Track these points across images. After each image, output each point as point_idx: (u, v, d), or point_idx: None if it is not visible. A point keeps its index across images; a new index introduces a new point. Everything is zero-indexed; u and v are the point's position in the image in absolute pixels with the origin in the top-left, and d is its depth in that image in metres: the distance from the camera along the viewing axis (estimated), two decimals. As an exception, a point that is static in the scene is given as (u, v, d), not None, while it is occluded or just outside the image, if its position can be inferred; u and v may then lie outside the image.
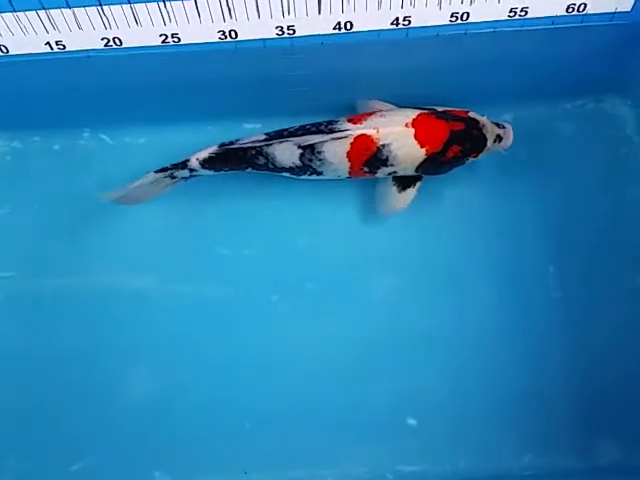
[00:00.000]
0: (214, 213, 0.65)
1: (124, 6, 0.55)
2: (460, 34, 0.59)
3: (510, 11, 0.58)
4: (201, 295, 0.63)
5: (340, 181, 0.65)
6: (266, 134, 0.61)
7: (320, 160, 0.60)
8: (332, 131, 0.60)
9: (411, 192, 0.63)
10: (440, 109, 0.61)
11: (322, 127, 0.60)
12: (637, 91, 0.66)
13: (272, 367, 0.61)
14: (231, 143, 0.61)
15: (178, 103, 0.65)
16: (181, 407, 0.61)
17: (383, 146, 0.60)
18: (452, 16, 0.58)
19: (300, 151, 0.60)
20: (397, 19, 0.58)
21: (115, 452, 0.59)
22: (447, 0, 0.56)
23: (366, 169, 0.61)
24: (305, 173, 0.62)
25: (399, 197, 0.63)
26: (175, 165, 0.61)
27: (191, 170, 0.62)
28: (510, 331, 0.62)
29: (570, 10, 0.58)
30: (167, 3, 0.55)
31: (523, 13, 0.58)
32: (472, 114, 0.61)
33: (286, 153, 0.60)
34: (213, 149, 0.61)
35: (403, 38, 0.59)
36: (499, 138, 0.62)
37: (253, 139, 0.61)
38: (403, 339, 0.62)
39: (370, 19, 0.58)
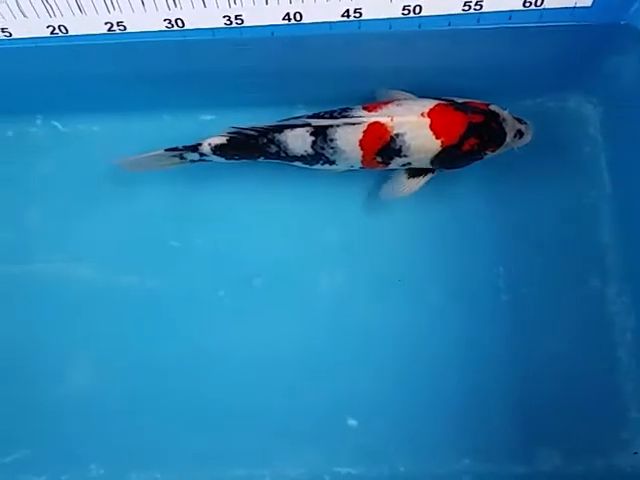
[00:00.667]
0: (166, 204, 0.64)
1: (70, -7, 0.54)
2: (414, 30, 0.57)
3: (464, 5, 0.56)
4: (146, 287, 0.62)
5: (295, 176, 0.64)
6: (277, 122, 0.60)
7: (332, 148, 0.59)
8: (345, 117, 0.59)
9: (418, 181, 0.61)
10: (460, 100, 0.60)
11: (335, 114, 0.60)
12: (601, 89, 0.64)
13: (212, 363, 0.61)
14: (243, 132, 0.60)
15: (131, 92, 0.64)
16: (119, 400, 0.60)
17: (397, 135, 0.58)
18: (404, 9, 0.56)
19: (312, 138, 0.59)
20: (348, 11, 0.56)
21: (51, 444, 0.59)
22: (397, -7, 0.55)
23: (379, 159, 0.60)
24: (318, 162, 0.61)
25: (406, 183, 0.61)
26: (186, 147, 0.61)
27: (201, 154, 0.61)
28: (455, 333, 0.61)
29: (527, 5, 0.56)
30: (110, -9, 0.54)
31: (478, 7, 0.56)
32: (493, 107, 0.59)
33: (298, 141, 0.59)
34: (225, 137, 0.60)
35: (355, 31, 0.57)
36: (520, 134, 0.60)
37: (263, 126, 0.59)
38: (347, 339, 0.61)
39: (320, 10, 0.56)
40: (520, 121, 0.60)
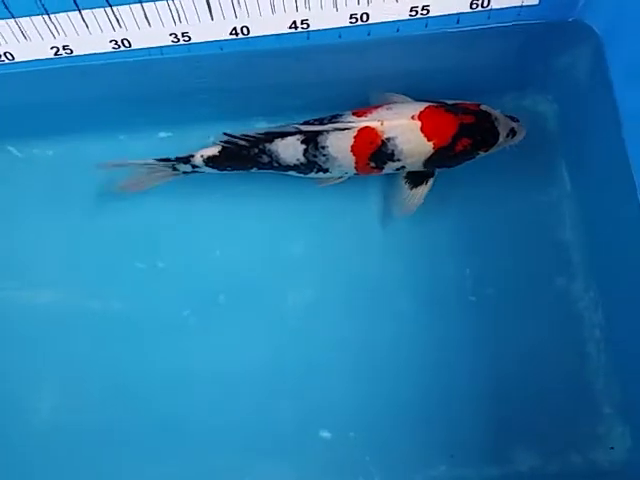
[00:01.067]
0: (128, 225, 0.64)
1: (8, 21, 0.53)
2: (363, 39, 0.57)
3: (411, 10, 0.56)
4: (110, 311, 0.62)
5: (258, 192, 0.64)
6: (266, 131, 0.60)
7: (324, 155, 0.59)
8: (335, 123, 0.58)
9: (423, 189, 0.61)
10: (450, 102, 0.59)
11: (325, 121, 0.59)
12: (556, 86, 0.64)
13: (180, 384, 0.60)
14: (234, 142, 0.59)
15: (85, 113, 0.63)
16: (88, 428, 0.59)
17: (388, 139, 0.58)
18: (351, 17, 0.56)
19: (303, 147, 0.59)
20: (295, 23, 0.56)
21: (17, 476, 0.58)
22: (343, 2, 0.54)
23: (372, 164, 0.59)
24: (312, 171, 0.60)
25: (411, 195, 0.61)
26: (178, 158, 0.60)
27: (194, 166, 0.61)
28: (425, 338, 0.61)
29: (474, 6, 0.56)
30: (52, 16, 0.53)
31: (425, 12, 0.56)
32: (484, 107, 0.59)
33: (290, 149, 0.59)
34: (217, 148, 0.60)
35: (304, 43, 0.57)
36: (512, 132, 0.60)
37: (254, 134, 0.59)
38: (317, 351, 0.61)
39: (267, 23, 0.56)
40: (512, 119, 0.60)
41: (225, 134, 0.60)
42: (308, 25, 0.56)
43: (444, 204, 0.63)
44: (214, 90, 0.62)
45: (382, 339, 0.61)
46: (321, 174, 0.61)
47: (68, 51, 0.56)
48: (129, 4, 0.53)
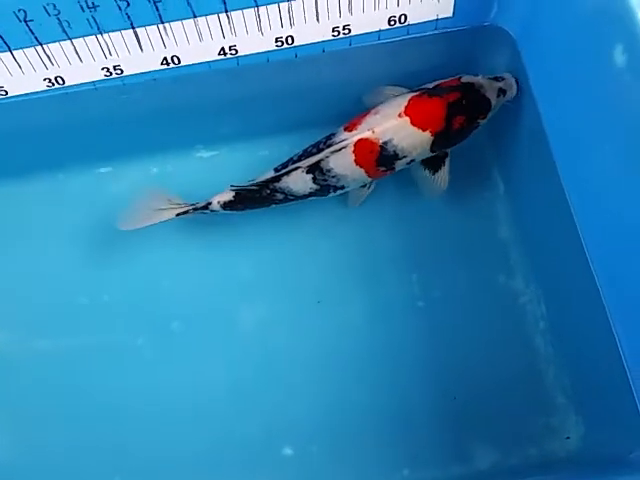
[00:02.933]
0: (66, 260, 0.64)
1: None
2: (290, 59, 0.59)
3: (333, 30, 0.58)
4: (60, 349, 0.61)
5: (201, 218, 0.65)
6: (275, 169, 0.60)
7: (334, 177, 0.60)
8: (330, 145, 0.59)
9: (445, 169, 0.61)
10: (432, 85, 0.60)
11: (322, 145, 0.60)
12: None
13: (138, 415, 0.60)
14: (242, 187, 0.60)
15: (17, 154, 0.63)
16: (42, 467, 0.58)
17: (385, 143, 0.58)
18: (277, 41, 0.58)
19: (310, 176, 0.59)
20: (223, 49, 0.58)
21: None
22: (269, 27, 0.56)
23: (383, 168, 0.60)
24: (329, 192, 0.61)
25: (436, 179, 0.62)
26: (195, 208, 0.61)
27: (212, 211, 0.62)
28: (378, 346, 0.62)
29: (392, 23, 0.59)
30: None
31: (347, 31, 0.59)
32: (465, 78, 0.60)
33: (299, 183, 0.60)
34: (231, 194, 0.61)
35: (234, 67, 0.59)
36: (502, 92, 0.60)
37: (263, 178, 0.60)
38: (274, 369, 0.61)
39: (197, 52, 0.58)
40: (497, 79, 0.60)
41: (232, 186, 0.60)
42: (237, 51, 0.58)
43: (384, 215, 0.65)
44: (149, 120, 0.63)
45: (336, 350, 0.62)
46: (340, 191, 0.62)
47: (3, 92, 0.57)
48: (59, 41, 0.54)
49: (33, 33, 0.52)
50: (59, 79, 0.57)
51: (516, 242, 0.64)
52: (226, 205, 0.61)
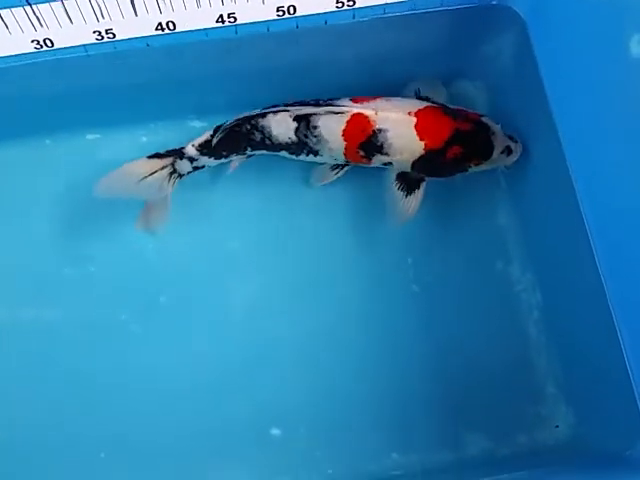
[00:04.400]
0: (53, 229, 0.62)
1: None
2: (292, 28, 0.57)
3: (337, 2, 0.56)
4: (43, 320, 0.60)
5: (190, 189, 0.63)
6: (262, 109, 0.58)
7: (315, 136, 0.58)
8: (329, 105, 0.57)
9: (418, 194, 0.60)
10: (453, 107, 0.59)
11: (320, 102, 0.58)
12: (483, 72, 0.65)
13: (123, 391, 0.58)
14: (226, 125, 0.58)
15: (1, 118, 0.61)
16: (23, 442, 0.57)
17: (379, 130, 0.57)
18: (279, 10, 0.56)
19: (295, 124, 0.57)
20: (222, 16, 0.55)
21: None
22: (268, -5, 0.54)
23: (362, 153, 0.58)
24: (302, 152, 0.59)
25: (407, 202, 0.60)
26: (169, 152, 0.58)
27: (190, 159, 0.59)
28: (371, 328, 0.61)
29: (399, -5, 0.57)
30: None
31: (351, 3, 0.56)
32: (485, 119, 0.59)
33: (282, 126, 0.58)
34: (208, 133, 0.59)
35: (232, 36, 0.57)
36: (508, 150, 0.59)
37: (247, 114, 0.58)
38: (263, 348, 0.60)
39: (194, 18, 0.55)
40: (511, 138, 0.59)
41: (218, 126, 0.58)
42: (235, 19, 0.56)
43: (378, 197, 0.62)
44: (141, 87, 0.61)
45: (328, 332, 0.60)
46: (312, 157, 0.60)
47: (-14, 54, 0.54)
48: (49, 2, 0.51)
49: (21, -8, 0.50)
50: (48, 41, 0.54)
51: (515, 229, 0.63)
52: (202, 147, 0.59)
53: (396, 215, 0.61)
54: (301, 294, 0.62)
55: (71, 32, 0.54)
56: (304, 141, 0.58)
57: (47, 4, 0.51)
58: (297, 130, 0.58)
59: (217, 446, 0.58)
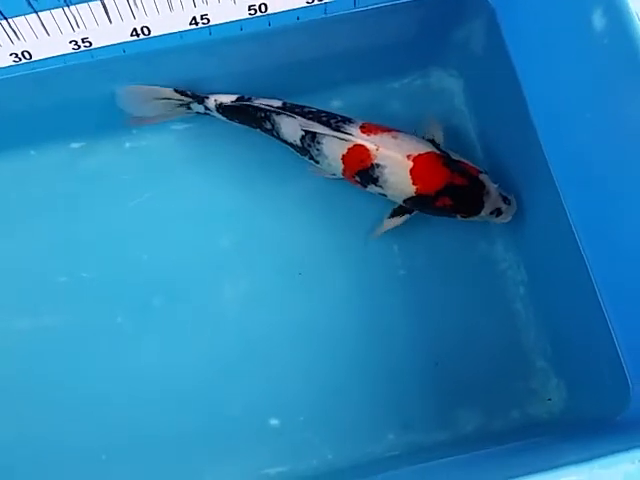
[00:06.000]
0: (44, 239, 0.63)
1: None
2: (265, 28, 0.58)
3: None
4: (40, 328, 0.60)
5: (180, 190, 0.64)
6: (283, 103, 0.61)
7: (318, 150, 0.60)
8: (337, 129, 0.58)
9: (395, 221, 0.61)
10: (455, 157, 0.60)
11: (332, 120, 0.59)
12: (458, 60, 0.67)
13: (121, 392, 0.59)
14: (249, 99, 0.61)
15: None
16: (26, 445, 0.58)
17: (377, 165, 0.58)
18: (250, 9, 0.57)
19: (302, 133, 0.59)
20: (195, 18, 0.56)
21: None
22: (240, -6, 0.55)
23: (358, 179, 0.60)
24: (305, 156, 0.61)
25: (387, 221, 0.62)
26: (195, 95, 0.62)
27: (206, 108, 0.62)
28: (361, 315, 0.62)
29: (367, -11, 0.58)
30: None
31: (321, -2, 0.57)
32: (483, 177, 0.59)
33: (290, 128, 0.60)
34: (232, 98, 0.61)
35: (206, 37, 0.58)
36: (498, 212, 0.60)
37: (268, 102, 0.61)
38: (257, 341, 0.61)
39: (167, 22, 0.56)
40: (505, 200, 0.60)
41: (241, 97, 0.61)
42: (208, 20, 0.57)
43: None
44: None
45: (318, 321, 0.62)
46: (313, 163, 0.62)
47: (-33, 68, 0.55)
48: (24, 15, 0.52)
49: (-3, 7, 0.50)
50: (26, 54, 0.55)
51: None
52: (220, 107, 0.62)
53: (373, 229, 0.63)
54: (292, 286, 0.63)
55: (48, 43, 0.55)
56: (307, 149, 0.60)
57: (23, 17, 0.52)
58: (303, 138, 0.60)
59: (217, 440, 0.59)
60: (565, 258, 0.57)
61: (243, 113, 0.61)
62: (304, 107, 0.61)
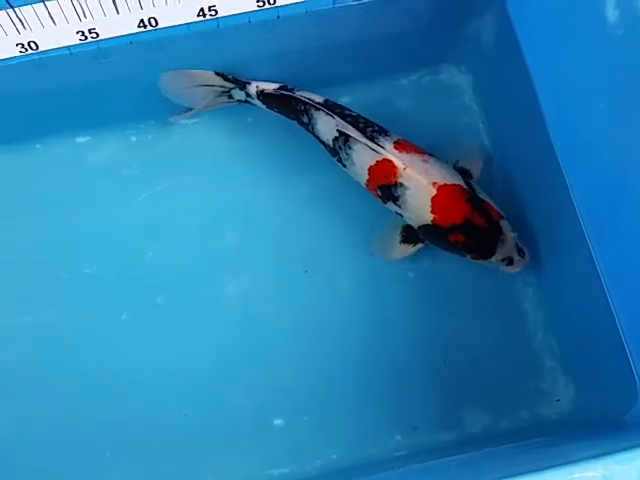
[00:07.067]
0: (44, 234, 0.62)
1: None
2: (272, 19, 0.58)
3: (314, -11, 0.57)
4: (42, 325, 0.60)
5: (187, 186, 0.64)
6: (325, 100, 0.60)
7: (347, 154, 0.59)
8: (371, 139, 0.58)
9: (409, 248, 0.61)
10: (482, 195, 0.59)
11: (369, 129, 0.59)
12: (467, 56, 0.66)
13: (125, 390, 0.58)
14: (292, 89, 0.61)
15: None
16: (31, 442, 0.57)
17: (401, 184, 0.57)
18: (259, 1, 0.56)
19: (336, 134, 0.59)
20: (202, 10, 0.56)
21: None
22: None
23: (379, 193, 0.60)
24: (334, 157, 0.61)
25: (398, 248, 0.61)
26: (237, 80, 0.62)
27: (247, 95, 0.62)
28: (368, 315, 0.61)
29: (376, -20, 0.57)
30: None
31: (325, -10, 0.57)
32: (503, 223, 0.58)
33: (326, 126, 0.60)
34: (274, 86, 0.61)
35: (214, 28, 0.57)
36: (509, 261, 0.58)
37: (310, 95, 0.60)
38: (261, 340, 0.60)
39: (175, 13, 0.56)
40: (519, 251, 0.59)
41: (283, 86, 0.61)
42: (216, 12, 0.56)
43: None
44: (128, 86, 0.61)
45: (325, 319, 0.61)
46: (341, 166, 0.61)
47: (-28, 58, 0.55)
48: (32, 4, 0.52)
49: (4, -5, 0.50)
50: (32, 44, 0.55)
51: (506, 209, 0.62)
52: (261, 94, 0.61)
53: (382, 251, 0.62)
54: (296, 283, 0.62)
55: (55, 33, 0.54)
56: (338, 151, 0.60)
57: (29, 6, 0.52)
58: (336, 139, 0.59)
59: (221, 440, 0.58)
60: (574, 258, 0.56)
61: (283, 103, 0.61)
62: (345, 109, 0.60)
